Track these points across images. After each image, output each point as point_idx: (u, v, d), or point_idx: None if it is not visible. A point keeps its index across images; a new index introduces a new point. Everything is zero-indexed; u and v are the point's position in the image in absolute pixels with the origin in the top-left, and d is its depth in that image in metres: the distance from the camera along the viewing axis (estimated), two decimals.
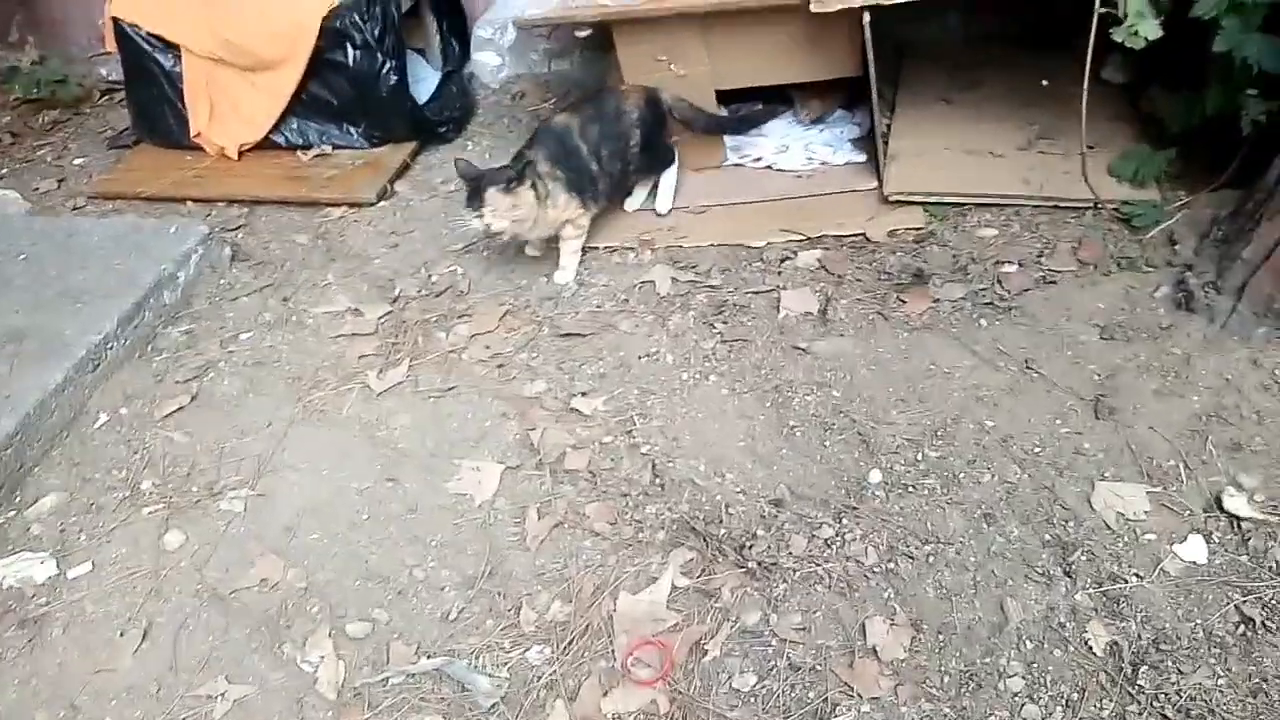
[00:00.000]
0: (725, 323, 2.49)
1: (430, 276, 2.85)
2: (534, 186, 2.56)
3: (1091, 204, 2.62)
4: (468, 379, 2.47)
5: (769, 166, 3.08)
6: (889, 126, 3.04)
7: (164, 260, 2.79)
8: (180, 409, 2.48)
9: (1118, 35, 2.31)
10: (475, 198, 2.53)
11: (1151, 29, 2.28)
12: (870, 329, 2.39)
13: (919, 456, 2.05)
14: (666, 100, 2.87)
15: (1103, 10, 2.31)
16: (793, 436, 2.15)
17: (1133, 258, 2.45)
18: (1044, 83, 2.82)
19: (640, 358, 2.44)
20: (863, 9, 2.57)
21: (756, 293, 2.57)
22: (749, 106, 3.16)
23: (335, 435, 2.36)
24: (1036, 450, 2.02)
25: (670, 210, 2.93)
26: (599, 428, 2.26)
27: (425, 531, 2.09)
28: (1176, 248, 2.44)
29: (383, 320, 2.70)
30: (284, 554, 2.09)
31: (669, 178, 2.93)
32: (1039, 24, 3.12)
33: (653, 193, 2.96)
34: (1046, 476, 1.97)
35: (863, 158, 3.01)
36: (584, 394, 2.36)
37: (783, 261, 2.66)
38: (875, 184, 2.88)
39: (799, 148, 3.09)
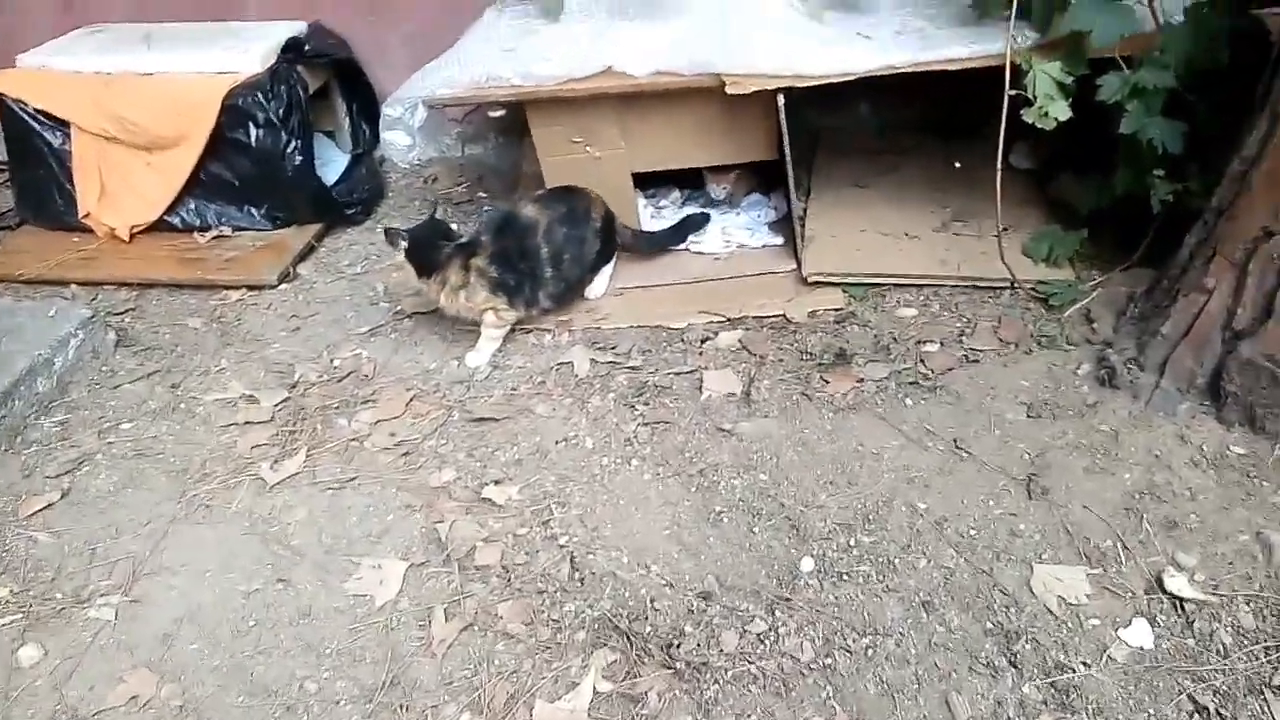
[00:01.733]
0: (647, 404, 2.39)
1: (333, 361, 2.69)
2: (444, 265, 2.52)
3: (1008, 283, 2.62)
4: (370, 469, 2.29)
5: (686, 249, 3.03)
6: (805, 209, 3.03)
7: (39, 345, 2.57)
8: (48, 506, 2.25)
9: (1029, 116, 2.34)
10: (397, 239, 2.54)
11: (1061, 110, 2.31)
12: (795, 410, 2.31)
13: (852, 542, 1.94)
14: (619, 226, 2.85)
15: (1013, 93, 2.33)
16: (720, 523, 2.03)
17: (1052, 336, 2.44)
18: (956, 165, 2.86)
19: (558, 443, 2.31)
20: (776, 91, 2.57)
21: (678, 374, 2.48)
22: (671, 204, 3.15)
23: (222, 533, 2.15)
24: (972, 533, 1.94)
25: (602, 295, 2.84)
26: (513, 518, 2.10)
27: (319, 638, 1.89)
28: (1095, 325, 2.44)
29: (279, 407, 2.52)
30: (158, 667, 1.86)
31: (608, 267, 2.86)
32: (950, 112, 3.18)
33: None
34: (984, 560, 1.88)
35: (780, 240, 2.99)
36: (497, 482, 2.21)
37: (704, 342, 2.58)
38: (794, 266, 2.84)
39: (716, 231, 3.06)
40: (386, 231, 2.58)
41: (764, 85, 2.56)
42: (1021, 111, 2.34)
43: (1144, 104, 2.34)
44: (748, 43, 2.63)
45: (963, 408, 2.25)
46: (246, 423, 2.48)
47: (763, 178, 3.17)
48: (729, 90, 2.57)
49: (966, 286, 2.66)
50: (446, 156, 3.75)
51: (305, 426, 2.45)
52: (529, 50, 2.84)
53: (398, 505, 2.18)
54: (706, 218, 3.05)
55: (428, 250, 2.52)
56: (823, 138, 3.45)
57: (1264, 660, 1.66)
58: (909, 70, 2.53)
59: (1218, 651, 1.68)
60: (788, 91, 2.57)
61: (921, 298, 2.65)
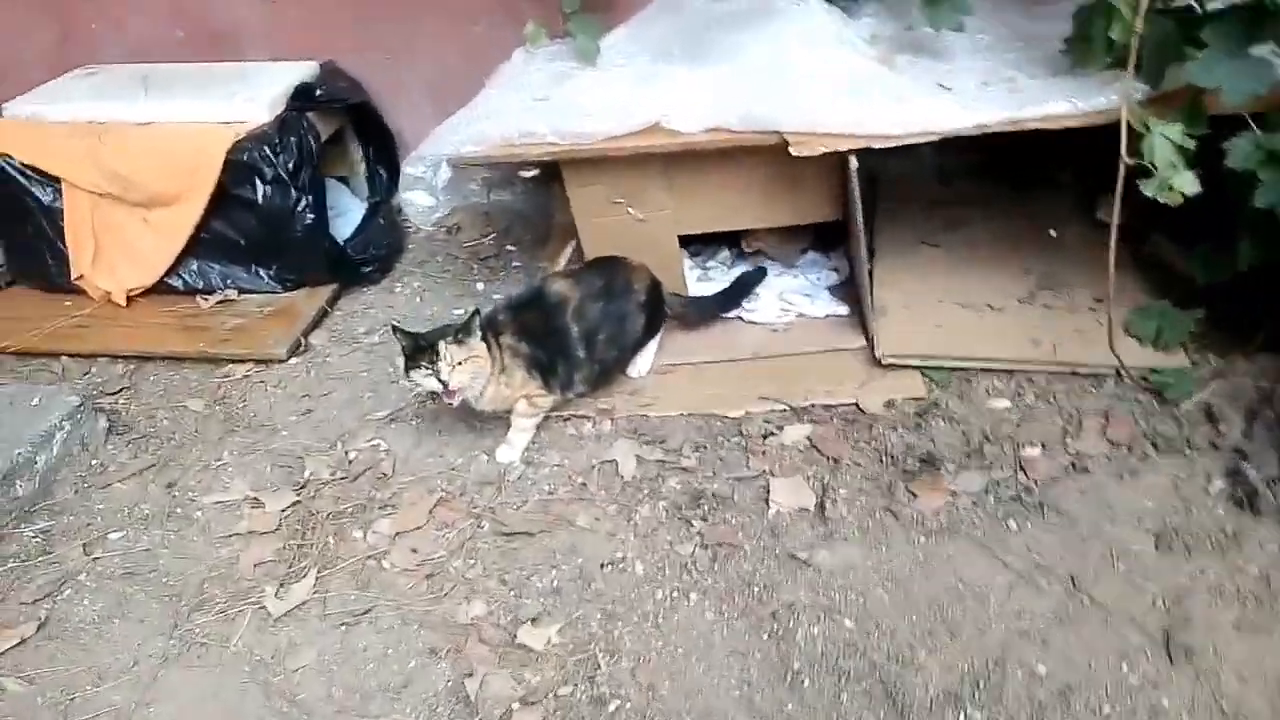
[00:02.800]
0: (705, 519, 2.08)
1: (347, 453, 2.40)
2: (486, 340, 2.19)
3: (1113, 371, 2.30)
4: (389, 596, 2.00)
5: (739, 317, 2.72)
6: (871, 272, 2.71)
7: (19, 442, 2.30)
8: (22, 642, 1.97)
9: (1149, 190, 2.01)
10: (424, 353, 2.14)
11: (1187, 182, 1.99)
12: (880, 532, 1.99)
13: (961, 718, 1.63)
14: (666, 295, 2.56)
15: (1131, 162, 2.01)
16: (799, 685, 1.72)
17: (1171, 438, 2.12)
18: (1052, 232, 2.54)
19: (603, 566, 2.01)
20: (849, 153, 2.26)
21: (739, 479, 2.17)
22: (720, 265, 2.84)
23: (219, 680, 1.87)
24: (1106, 709, 1.62)
25: (647, 373, 2.53)
26: (553, 671, 1.80)
27: None
28: (1220, 426, 2.12)
29: (287, 514, 2.23)
30: None
31: (653, 342, 2.55)
32: (1018, 157, 2.86)
33: None
34: None
35: (844, 309, 2.67)
36: (533, 620, 1.91)
37: (766, 438, 2.27)
38: (863, 341, 2.53)
39: (772, 297, 2.74)
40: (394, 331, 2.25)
41: (834, 146, 2.25)
42: (1139, 183, 2.02)
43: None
44: (813, 96, 2.32)
45: (1076, 533, 1.93)
46: (250, 532, 2.20)
47: (817, 233, 2.86)
48: (794, 152, 2.26)
49: (1064, 373, 2.34)
50: (471, 203, 3.46)
51: (315, 539, 2.16)
52: (564, 101, 2.54)
53: (420, 648, 1.88)
54: (763, 272, 2.75)
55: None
56: (880, 185, 3.13)
57: None
58: (1002, 130, 2.21)
59: None
60: (861, 153, 2.26)
61: (1014, 385, 2.33)
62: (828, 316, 2.67)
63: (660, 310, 2.52)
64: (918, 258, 2.79)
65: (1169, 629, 1.72)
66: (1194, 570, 1.82)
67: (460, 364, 2.14)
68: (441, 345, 2.14)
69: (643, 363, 2.53)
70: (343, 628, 1.94)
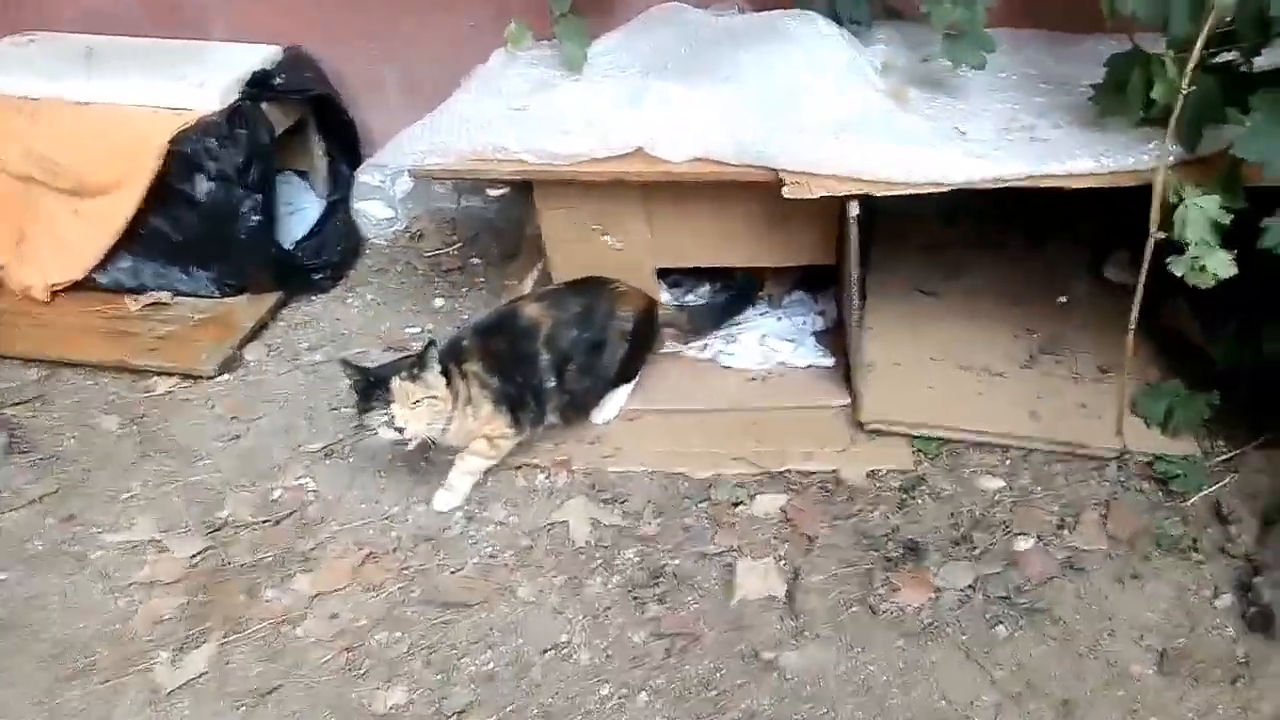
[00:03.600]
0: (662, 601, 1.87)
1: (272, 491, 2.17)
2: (446, 374, 1.95)
3: (1116, 455, 2.10)
4: (300, 672, 1.78)
5: (715, 359, 2.50)
6: (860, 321, 2.50)
7: None
8: None
9: (1178, 269, 1.81)
10: (375, 392, 1.91)
11: (1222, 264, 1.78)
12: (855, 630, 1.78)
13: None
14: (663, 316, 2.38)
15: (1160, 236, 1.80)
16: None
17: (1176, 537, 1.92)
18: (1061, 300, 2.33)
19: (544, 651, 1.79)
20: (849, 199, 2.04)
21: (704, 555, 1.96)
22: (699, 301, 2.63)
23: None
24: None
25: (613, 419, 2.31)
26: None
27: None
28: (1231, 529, 1.92)
29: (195, 562, 2.00)
30: None
31: (627, 387, 2.33)
32: (1026, 199, 2.66)
33: None
34: None
35: (829, 361, 2.45)
36: (460, 714, 1.69)
37: (736, 506, 2.06)
38: (847, 400, 2.32)
39: (753, 339, 2.52)
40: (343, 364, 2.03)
41: (833, 191, 2.03)
42: (1168, 261, 1.81)
43: None
44: (815, 132, 2.10)
45: (1072, 648, 1.73)
46: (151, 582, 1.97)
47: (806, 270, 2.64)
48: (787, 193, 2.04)
49: (1064, 453, 2.14)
50: (437, 208, 3.21)
51: (223, 596, 1.93)
52: (542, 113, 2.31)
53: None
54: (753, 287, 2.57)
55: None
56: (876, 220, 2.91)
57: None
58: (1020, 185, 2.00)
59: None
60: (863, 199, 2.05)
61: (1008, 463, 2.12)
62: (810, 366, 2.46)
63: (646, 346, 2.31)
64: (912, 306, 2.58)
65: None
66: (1202, 704, 1.62)
67: (416, 404, 1.91)
68: (395, 382, 1.91)
69: (610, 408, 2.31)
70: (241, 709, 1.71)
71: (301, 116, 2.96)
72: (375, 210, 2.36)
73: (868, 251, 2.73)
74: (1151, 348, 2.34)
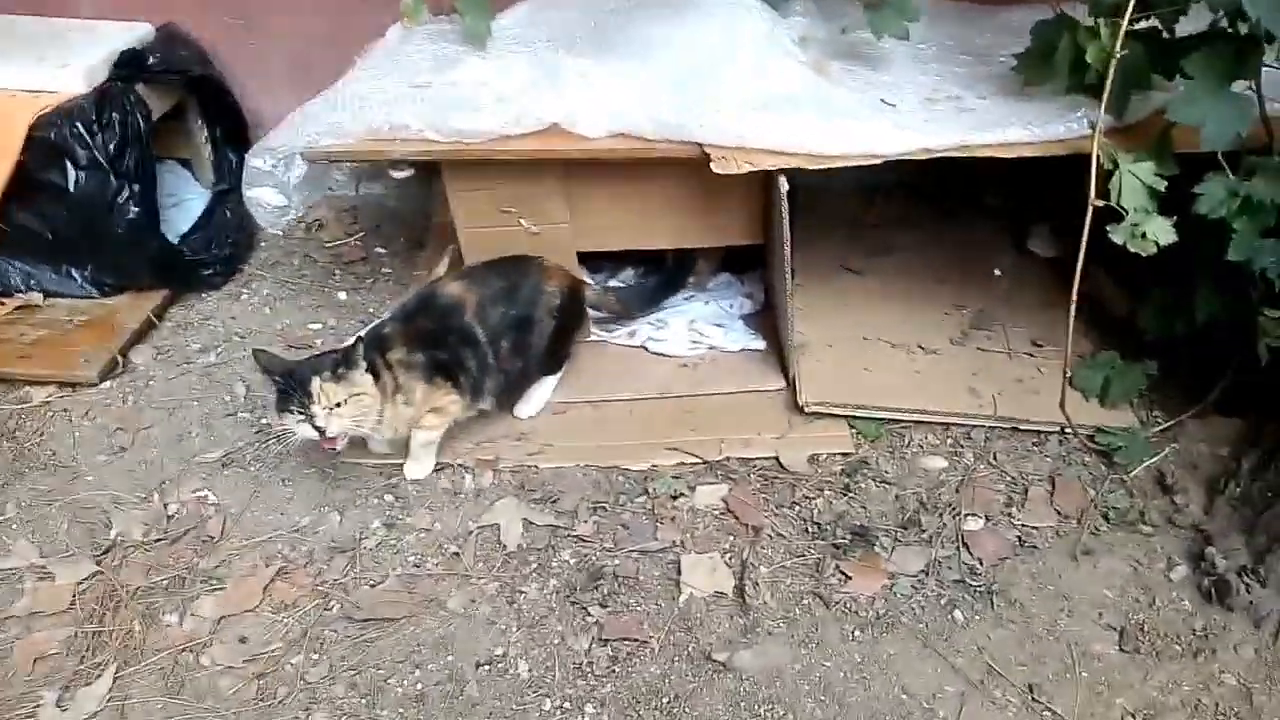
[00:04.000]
0: (604, 605, 1.75)
1: (166, 507, 1.97)
2: (373, 372, 1.81)
3: (1058, 429, 2.07)
4: (206, 704, 1.60)
5: (644, 347, 2.39)
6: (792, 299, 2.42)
7: None
8: None
9: (1119, 236, 1.77)
10: (295, 392, 1.74)
11: (1162, 229, 1.75)
12: (809, 624, 1.70)
13: None
14: (590, 298, 2.27)
15: (1100, 204, 1.76)
16: None
17: (1123, 510, 1.90)
18: (996, 272, 2.29)
19: (479, 665, 1.66)
20: (778, 173, 1.96)
21: (645, 553, 1.85)
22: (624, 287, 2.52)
23: None
24: None
25: (538, 414, 2.18)
26: None
27: None
28: (1176, 499, 1.91)
29: (83, 589, 1.80)
30: None
31: (552, 379, 2.20)
32: (942, 174, 2.63)
33: None
34: None
35: (761, 344, 2.37)
36: None
37: (676, 499, 1.96)
38: (782, 383, 2.24)
39: (681, 325, 2.42)
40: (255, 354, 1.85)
41: (761, 165, 1.94)
42: (1109, 229, 1.77)
43: (1255, 223, 1.80)
44: (739, 106, 2.01)
45: (1031, 630, 1.68)
46: (33, 613, 1.76)
47: (729, 252, 2.55)
48: (716, 169, 1.95)
49: (1005, 429, 2.10)
50: (335, 196, 3.02)
51: (118, 624, 1.74)
52: (447, 91, 2.16)
53: None
54: (690, 264, 2.47)
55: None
56: (797, 199, 2.85)
57: None
58: (951, 155, 1.94)
59: None
60: (792, 173, 1.96)
61: (950, 441, 2.07)
62: (742, 350, 2.37)
63: (574, 326, 2.19)
64: (840, 287, 2.53)
65: None
66: (1166, 680, 1.59)
67: (340, 405, 1.75)
68: (315, 383, 1.74)
69: (534, 402, 2.18)
70: None
71: (180, 100, 2.74)
72: (268, 198, 2.16)
73: (792, 230, 2.67)
74: (1080, 320, 2.32)
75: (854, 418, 2.12)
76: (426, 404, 1.94)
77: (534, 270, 2.10)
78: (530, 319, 2.05)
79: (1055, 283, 2.45)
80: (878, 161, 1.95)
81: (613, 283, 2.56)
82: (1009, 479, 1.98)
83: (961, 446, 2.06)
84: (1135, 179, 1.79)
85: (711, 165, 1.95)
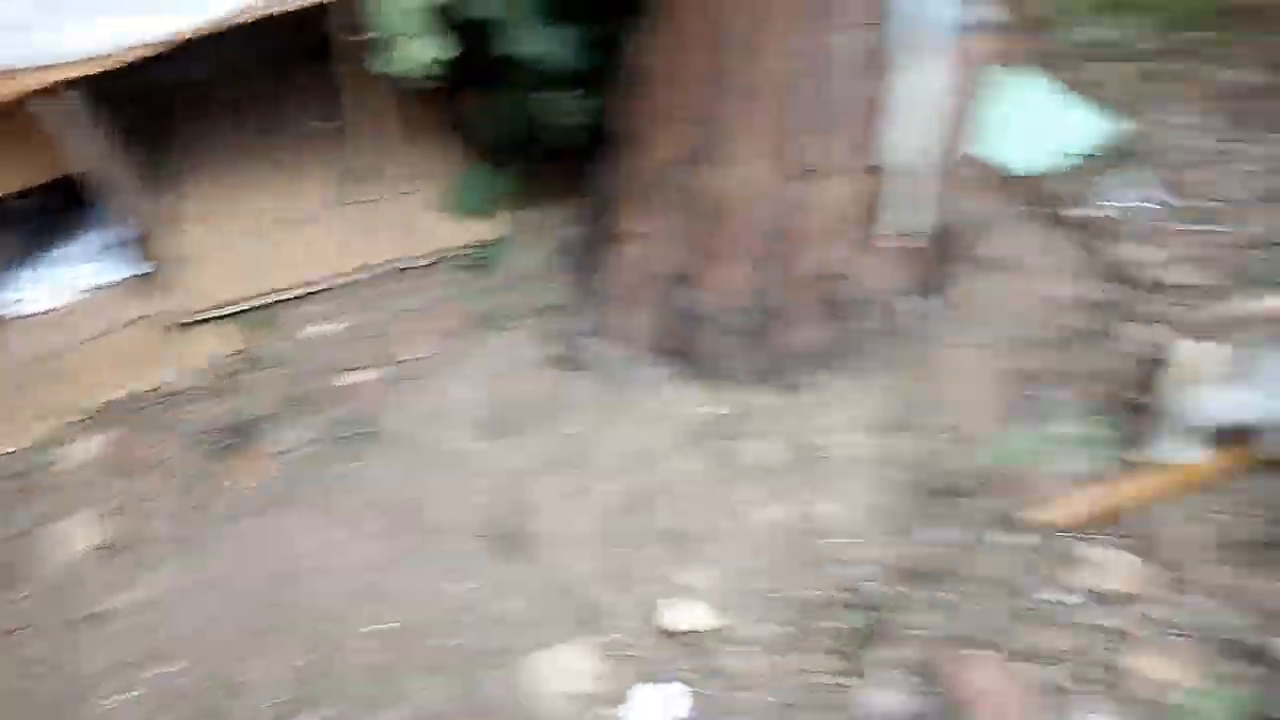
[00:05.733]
0: None
1: None
2: None
3: (442, 257, 2.13)
4: None
5: (13, 314, 2.16)
6: (160, 214, 2.27)
7: None
8: None
9: (386, 67, 1.78)
10: None
11: (429, 49, 1.78)
12: (198, 536, 1.68)
13: None
14: None
15: (354, 39, 1.75)
16: None
17: (499, 315, 2.01)
18: (313, 124, 2.26)
19: None
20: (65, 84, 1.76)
21: (20, 534, 1.72)
22: None
23: None
24: (451, 642, 1.49)
25: None
26: None
27: None
28: (540, 289, 2.04)
29: None
30: None
31: None
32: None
33: None
34: (472, 672, 1.45)
35: (147, 268, 2.21)
36: None
37: (51, 466, 1.82)
38: (164, 304, 2.12)
39: (48, 273, 2.20)
40: None
41: (43, 81, 1.73)
42: (370, 65, 1.78)
43: (518, 13, 1.87)
44: None
45: (412, 452, 1.77)
46: None
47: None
48: None
49: (392, 274, 2.13)
50: None
51: None
52: None
53: None
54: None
55: None
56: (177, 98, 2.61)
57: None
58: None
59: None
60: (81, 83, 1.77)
61: (337, 305, 2.08)
62: (125, 281, 2.21)
63: None
64: (227, 187, 2.39)
65: (504, 526, 1.62)
66: (531, 455, 1.72)
67: None
68: None
69: None
70: None
71: None
72: None
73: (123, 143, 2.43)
74: (459, 142, 2.35)
75: (240, 313, 2.06)
76: None
77: None
78: None
79: (436, 104, 2.42)
80: (148, 52, 1.79)
81: None
82: (395, 321, 2.01)
83: (349, 306, 2.08)
84: (395, 4, 1.78)
85: None
